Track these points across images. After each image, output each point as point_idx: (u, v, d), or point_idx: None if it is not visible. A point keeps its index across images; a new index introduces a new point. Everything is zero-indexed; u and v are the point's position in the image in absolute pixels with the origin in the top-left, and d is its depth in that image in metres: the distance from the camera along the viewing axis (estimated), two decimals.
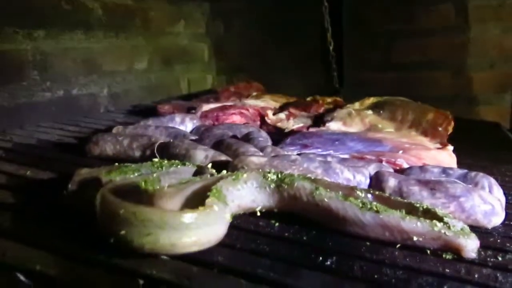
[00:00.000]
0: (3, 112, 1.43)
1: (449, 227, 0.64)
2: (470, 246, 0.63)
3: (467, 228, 0.66)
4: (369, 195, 0.74)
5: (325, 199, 0.69)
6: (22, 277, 0.57)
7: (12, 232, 0.67)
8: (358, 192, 0.74)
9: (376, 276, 0.58)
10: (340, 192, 0.70)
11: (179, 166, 0.81)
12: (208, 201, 0.62)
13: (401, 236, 0.65)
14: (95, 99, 1.81)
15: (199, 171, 0.81)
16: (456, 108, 1.65)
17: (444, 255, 0.64)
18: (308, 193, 0.71)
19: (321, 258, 0.62)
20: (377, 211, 0.66)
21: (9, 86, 1.45)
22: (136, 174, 0.77)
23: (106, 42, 1.85)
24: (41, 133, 1.39)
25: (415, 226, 0.64)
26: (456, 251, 0.63)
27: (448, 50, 2.00)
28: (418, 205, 0.70)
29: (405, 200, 0.74)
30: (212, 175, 0.76)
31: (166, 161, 0.82)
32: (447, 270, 0.60)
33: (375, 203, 0.68)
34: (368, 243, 0.67)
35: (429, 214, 0.67)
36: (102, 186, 0.73)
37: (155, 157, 1.03)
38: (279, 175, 0.75)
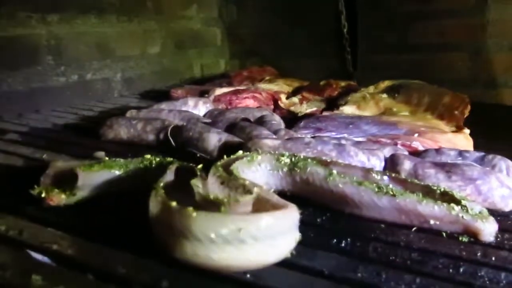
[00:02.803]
0: (18, 96, 1.44)
1: (466, 211, 0.63)
2: (488, 229, 0.62)
3: (485, 211, 0.65)
4: (385, 177, 0.73)
5: (340, 185, 0.68)
6: (36, 255, 0.58)
7: (28, 212, 0.68)
8: (374, 174, 0.73)
9: (391, 258, 0.58)
10: (355, 177, 0.70)
11: (171, 166, 0.71)
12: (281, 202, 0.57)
13: (418, 220, 0.65)
14: (109, 83, 1.82)
15: (189, 170, 0.71)
16: (474, 91, 1.62)
17: (460, 238, 0.63)
18: (322, 179, 0.70)
19: (335, 240, 0.62)
20: (394, 195, 0.65)
21: (24, 70, 1.46)
22: (122, 170, 0.73)
23: (119, 27, 1.85)
24: (56, 117, 1.40)
25: (432, 209, 0.64)
26: (474, 235, 0.63)
27: (466, 31, 1.96)
28: (435, 187, 0.69)
29: (422, 183, 0.73)
30: (203, 177, 0.67)
31: (158, 158, 0.77)
32: (463, 253, 0.60)
33: (391, 186, 0.68)
34: (382, 226, 0.66)
35: (447, 197, 0.67)
36: (77, 180, 0.68)
37: (169, 140, 1.03)
38: (293, 159, 0.75)
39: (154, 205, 0.55)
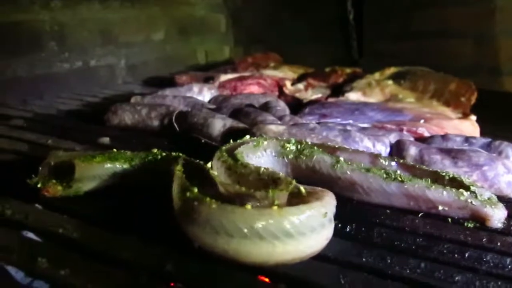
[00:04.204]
0: (23, 83, 1.44)
1: (475, 196, 0.63)
2: (497, 215, 0.62)
3: (494, 197, 0.65)
4: (393, 163, 0.72)
5: (348, 172, 0.68)
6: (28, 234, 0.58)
7: (34, 197, 0.68)
8: (382, 160, 0.72)
9: (396, 242, 0.58)
10: (362, 164, 0.69)
11: (178, 167, 0.63)
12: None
13: (426, 205, 0.65)
14: (112, 70, 1.81)
15: (197, 167, 0.66)
16: (479, 79, 1.60)
17: (466, 223, 0.63)
18: (329, 166, 0.70)
19: (340, 225, 0.62)
20: (402, 181, 0.65)
21: (28, 57, 1.46)
22: (127, 164, 0.69)
23: (123, 13, 1.84)
24: (61, 103, 1.40)
25: (441, 195, 0.63)
26: (482, 221, 0.63)
27: (471, 18, 1.93)
28: (444, 173, 0.69)
29: (431, 169, 0.72)
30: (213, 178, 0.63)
31: (164, 153, 0.72)
32: (469, 238, 0.59)
33: (399, 172, 0.68)
34: (388, 211, 0.66)
35: (456, 183, 0.66)
36: (75, 171, 0.65)
37: (173, 126, 1.03)
38: (299, 146, 0.74)
39: (207, 208, 0.50)
